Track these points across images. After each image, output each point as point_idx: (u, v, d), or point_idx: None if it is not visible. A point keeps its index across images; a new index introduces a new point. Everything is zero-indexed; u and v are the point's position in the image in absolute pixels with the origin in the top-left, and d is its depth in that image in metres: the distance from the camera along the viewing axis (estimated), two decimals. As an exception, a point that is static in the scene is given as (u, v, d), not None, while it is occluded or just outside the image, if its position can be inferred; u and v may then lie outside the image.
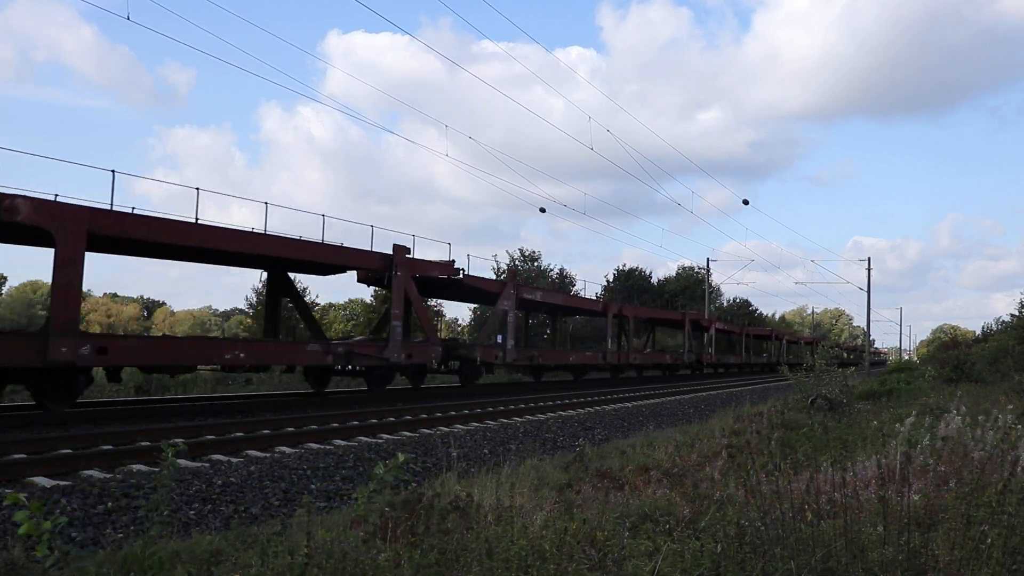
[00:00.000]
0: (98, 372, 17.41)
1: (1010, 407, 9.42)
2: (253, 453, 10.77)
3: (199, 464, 9.75)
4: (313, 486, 9.05)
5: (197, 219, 15.69)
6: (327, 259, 19.01)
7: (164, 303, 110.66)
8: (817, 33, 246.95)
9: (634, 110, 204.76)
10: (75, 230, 13.31)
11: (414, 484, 9.40)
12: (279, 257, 17.98)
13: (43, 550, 3.43)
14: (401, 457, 4.14)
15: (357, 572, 3.40)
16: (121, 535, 6.62)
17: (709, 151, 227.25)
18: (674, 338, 53.21)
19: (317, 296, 47.43)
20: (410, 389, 23.59)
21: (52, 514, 3.61)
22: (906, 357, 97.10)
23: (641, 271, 70.48)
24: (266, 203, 18.92)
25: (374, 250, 20.03)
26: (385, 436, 13.01)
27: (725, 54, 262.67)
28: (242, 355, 16.35)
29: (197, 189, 15.91)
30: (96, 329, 71.84)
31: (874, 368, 63.14)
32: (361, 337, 22.29)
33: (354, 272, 20.81)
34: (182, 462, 9.91)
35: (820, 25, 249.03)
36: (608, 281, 67.96)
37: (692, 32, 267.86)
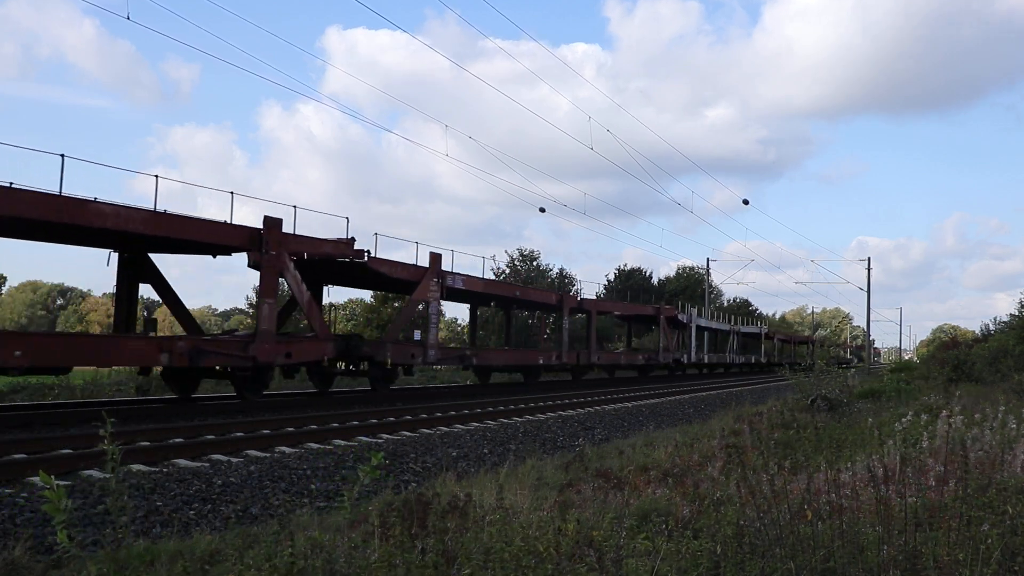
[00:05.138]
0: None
1: (1002, 408, 9.42)
2: (253, 453, 10.78)
3: (199, 464, 9.75)
4: (313, 486, 9.05)
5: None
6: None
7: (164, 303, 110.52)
8: (828, 28, 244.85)
9: (640, 107, 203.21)
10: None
11: (414, 484, 9.41)
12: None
13: (63, 535, 3.47)
14: (376, 459, 4.15)
15: (350, 573, 3.40)
16: (121, 535, 6.62)
17: (717, 149, 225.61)
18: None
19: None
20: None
21: (67, 500, 3.63)
22: (906, 357, 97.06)
23: (641, 271, 70.54)
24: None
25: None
26: (385, 436, 13.01)
27: (734, 49, 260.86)
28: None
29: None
30: (96, 330, 71.48)
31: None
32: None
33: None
34: (182, 462, 9.92)
35: (831, 20, 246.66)
36: (609, 281, 68.03)
37: (701, 27, 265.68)
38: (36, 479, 8.52)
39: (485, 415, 16.50)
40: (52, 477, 3.55)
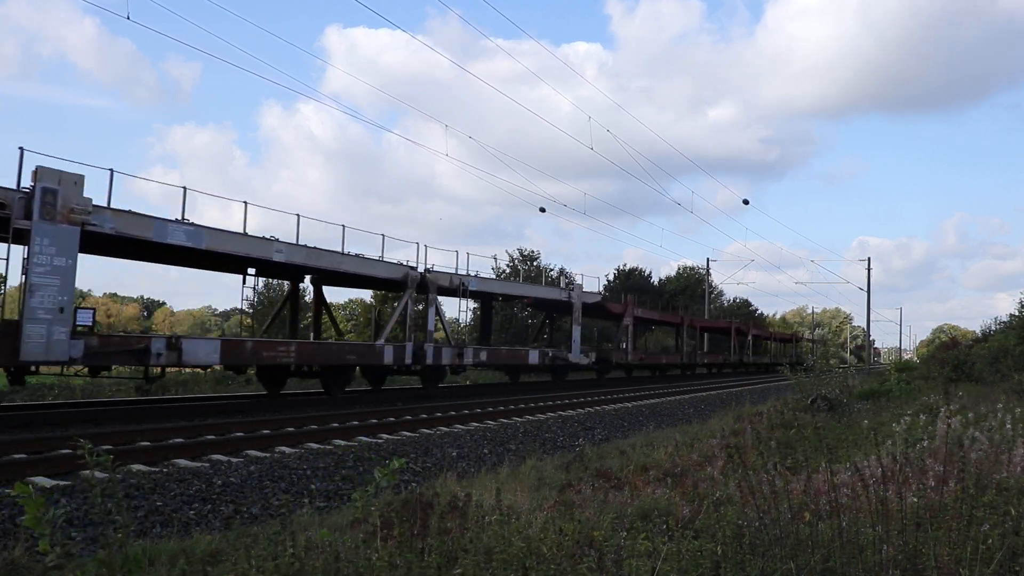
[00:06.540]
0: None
1: (999, 407, 9.42)
2: (253, 453, 10.78)
3: (199, 464, 9.75)
4: (313, 486, 9.05)
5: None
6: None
7: (164, 303, 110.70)
8: (830, 27, 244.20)
9: (641, 106, 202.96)
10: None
11: (414, 484, 9.40)
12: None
13: (45, 545, 3.43)
14: (396, 463, 4.14)
15: (351, 573, 3.40)
16: (120, 535, 6.61)
17: (718, 148, 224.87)
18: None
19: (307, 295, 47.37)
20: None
21: (51, 510, 3.58)
22: (906, 357, 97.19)
23: (641, 271, 70.55)
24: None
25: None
26: (385, 436, 13.01)
27: (736, 48, 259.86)
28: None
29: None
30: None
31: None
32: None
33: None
34: (182, 462, 9.92)
35: (833, 19, 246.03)
36: (608, 281, 68.05)
37: (703, 25, 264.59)
38: (36, 479, 8.52)
39: (485, 415, 16.50)
40: (31, 488, 3.51)
